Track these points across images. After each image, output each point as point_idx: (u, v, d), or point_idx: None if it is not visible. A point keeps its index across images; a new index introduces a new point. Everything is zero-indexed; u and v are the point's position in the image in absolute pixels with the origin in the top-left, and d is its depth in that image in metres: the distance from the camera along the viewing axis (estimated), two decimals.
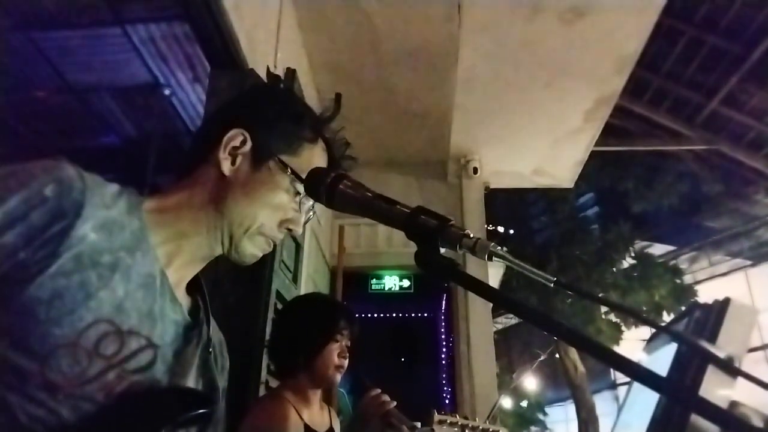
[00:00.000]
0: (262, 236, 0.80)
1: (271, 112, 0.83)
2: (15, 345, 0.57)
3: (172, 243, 0.75)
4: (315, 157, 0.85)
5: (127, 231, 0.68)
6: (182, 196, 0.79)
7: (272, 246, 0.82)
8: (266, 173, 0.79)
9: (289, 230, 0.82)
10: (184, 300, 0.78)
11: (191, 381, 0.74)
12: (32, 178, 0.61)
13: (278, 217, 0.81)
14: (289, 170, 0.79)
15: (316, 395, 1.71)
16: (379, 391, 1.56)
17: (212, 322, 0.83)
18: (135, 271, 0.67)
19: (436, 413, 1.55)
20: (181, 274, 0.77)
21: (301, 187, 0.78)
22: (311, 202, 0.82)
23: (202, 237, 0.78)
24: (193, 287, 0.82)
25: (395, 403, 1.53)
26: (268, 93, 0.92)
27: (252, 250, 0.80)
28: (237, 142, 0.80)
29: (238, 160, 0.79)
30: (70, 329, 0.59)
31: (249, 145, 0.80)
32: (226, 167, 0.78)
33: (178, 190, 0.80)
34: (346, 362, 1.68)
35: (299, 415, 1.58)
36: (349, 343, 1.71)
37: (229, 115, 0.85)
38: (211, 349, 0.81)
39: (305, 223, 0.86)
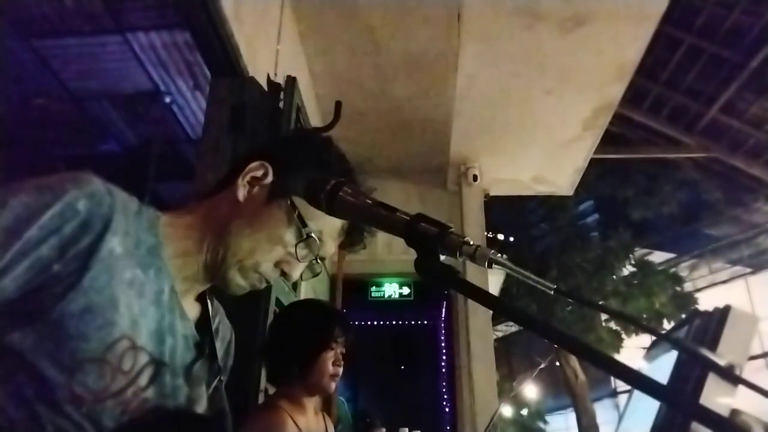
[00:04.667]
0: (256, 273, 0.79)
1: (301, 154, 0.84)
2: (47, 357, 0.58)
3: (180, 258, 0.76)
4: None
5: (143, 247, 0.69)
6: (196, 216, 0.80)
7: (264, 284, 0.81)
8: (276, 209, 0.79)
9: (284, 273, 0.81)
10: (193, 311, 0.80)
11: (202, 396, 0.76)
12: (65, 192, 0.62)
13: (275, 257, 0.80)
14: (296, 212, 0.78)
15: (311, 402, 1.70)
16: (384, 431, 1.55)
17: (221, 323, 0.85)
18: (148, 287, 0.68)
19: None
20: (187, 286, 0.78)
21: (304, 232, 0.78)
22: (308, 253, 0.81)
23: (202, 258, 0.78)
24: (200, 297, 0.83)
25: None
26: (305, 137, 0.93)
27: (239, 281, 0.79)
28: (258, 174, 0.81)
29: (255, 189, 0.80)
30: (98, 344, 0.61)
31: (269, 179, 0.81)
32: (241, 194, 0.80)
33: (195, 209, 0.82)
34: (340, 370, 1.68)
35: (295, 422, 1.58)
36: (344, 351, 1.70)
37: (261, 148, 0.87)
38: (223, 378, 0.82)
39: (304, 279, 0.87)
